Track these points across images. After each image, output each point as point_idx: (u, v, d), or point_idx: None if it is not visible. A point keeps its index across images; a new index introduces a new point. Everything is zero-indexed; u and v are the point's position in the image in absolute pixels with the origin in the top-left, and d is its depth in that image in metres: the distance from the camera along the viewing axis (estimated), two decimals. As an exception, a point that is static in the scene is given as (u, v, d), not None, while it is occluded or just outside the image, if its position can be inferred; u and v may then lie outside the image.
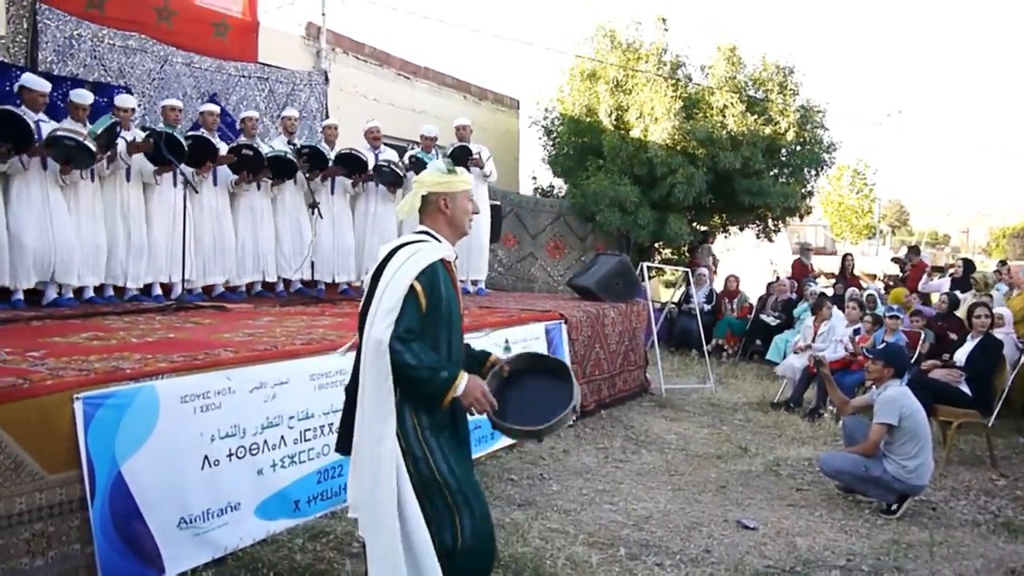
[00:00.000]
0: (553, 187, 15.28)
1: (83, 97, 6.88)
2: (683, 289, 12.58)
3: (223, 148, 7.82)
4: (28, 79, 6.70)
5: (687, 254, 14.01)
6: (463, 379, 2.86)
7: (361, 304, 3.01)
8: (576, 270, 10.65)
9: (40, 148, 6.34)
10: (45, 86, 6.68)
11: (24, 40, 7.72)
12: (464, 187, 3.08)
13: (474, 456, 5.72)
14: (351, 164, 8.53)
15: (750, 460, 6.46)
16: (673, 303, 12.76)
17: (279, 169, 8.14)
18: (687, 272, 11.51)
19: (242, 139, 8.11)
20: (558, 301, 8.68)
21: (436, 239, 3.03)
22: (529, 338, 6.66)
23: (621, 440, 6.91)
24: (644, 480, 5.81)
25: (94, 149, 6.48)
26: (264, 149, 8.11)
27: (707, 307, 11.95)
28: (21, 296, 6.60)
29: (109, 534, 3.49)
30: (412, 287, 2.83)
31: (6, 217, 6.44)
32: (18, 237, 6.46)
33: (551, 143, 14.27)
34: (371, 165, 8.68)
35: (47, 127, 6.54)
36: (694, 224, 13.79)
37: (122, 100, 7.33)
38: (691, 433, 7.29)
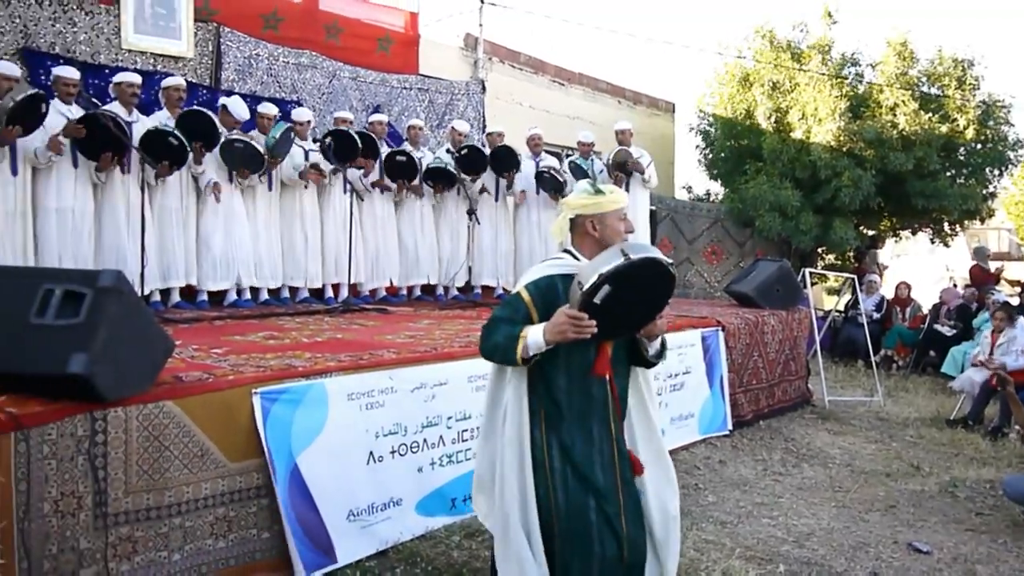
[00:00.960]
0: (710, 192, 14.96)
1: (269, 108, 7.49)
2: (848, 296, 12.00)
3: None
4: (233, 104, 7.24)
5: (853, 260, 13.36)
6: (531, 327, 2.69)
7: None
8: (734, 276, 10.38)
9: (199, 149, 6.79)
10: (244, 113, 7.24)
11: (209, 62, 8.35)
12: (613, 207, 2.89)
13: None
14: (502, 161, 8.58)
15: (923, 479, 6.07)
16: (838, 311, 12.19)
17: (439, 178, 8.41)
18: (853, 279, 10.97)
19: (406, 146, 8.43)
20: (715, 308, 8.50)
21: (575, 258, 2.90)
22: (685, 345, 6.55)
23: (781, 453, 6.67)
24: (805, 495, 5.58)
25: (262, 153, 6.95)
26: (428, 158, 8.42)
27: (876, 316, 11.34)
28: (205, 297, 7.14)
29: (292, 521, 3.70)
30: (518, 293, 2.84)
31: (197, 221, 6.99)
32: (206, 241, 7.00)
33: (708, 147, 14.00)
34: (531, 171, 8.81)
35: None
36: (861, 228, 13.14)
37: (298, 114, 7.81)
38: (857, 448, 6.93)
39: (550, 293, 2.80)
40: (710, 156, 13.90)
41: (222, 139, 6.83)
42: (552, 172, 8.76)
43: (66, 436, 3.05)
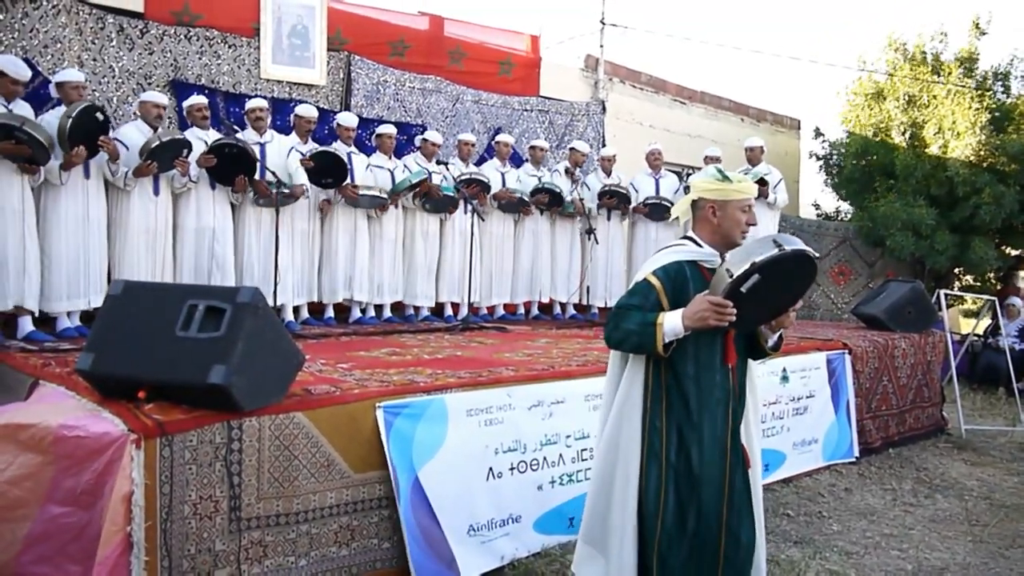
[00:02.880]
0: (838, 210, 14.46)
1: (389, 129, 7.88)
2: (988, 320, 11.32)
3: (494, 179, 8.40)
4: (343, 117, 7.67)
5: (994, 281, 12.61)
6: (666, 314, 2.67)
7: None
8: (862, 297, 9.98)
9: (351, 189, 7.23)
10: (351, 123, 7.60)
11: (340, 88, 8.72)
12: (738, 196, 2.84)
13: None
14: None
15: (1073, 517, 5.66)
16: (976, 335, 11.51)
17: (552, 200, 8.54)
18: (994, 301, 10.35)
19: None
20: (841, 330, 8.19)
21: (697, 244, 2.89)
22: (809, 368, 6.34)
23: (912, 482, 6.35)
24: (939, 528, 5.29)
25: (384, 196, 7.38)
26: (546, 179, 8.59)
27: (1020, 344, 10.66)
28: (332, 314, 7.44)
29: (414, 534, 3.80)
30: (646, 280, 2.81)
31: (321, 241, 7.33)
32: (329, 259, 7.33)
33: (836, 165, 13.55)
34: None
35: (357, 159, 7.51)
36: (1003, 248, 12.40)
37: (432, 135, 8.22)
38: (997, 480, 6.52)
39: (679, 278, 2.79)
40: (838, 174, 13.44)
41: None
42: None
43: (205, 443, 3.24)
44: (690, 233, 2.98)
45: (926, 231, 11.23)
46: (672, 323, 2.64)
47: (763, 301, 2.66)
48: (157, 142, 5.92)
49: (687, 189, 8.63)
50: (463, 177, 7.89)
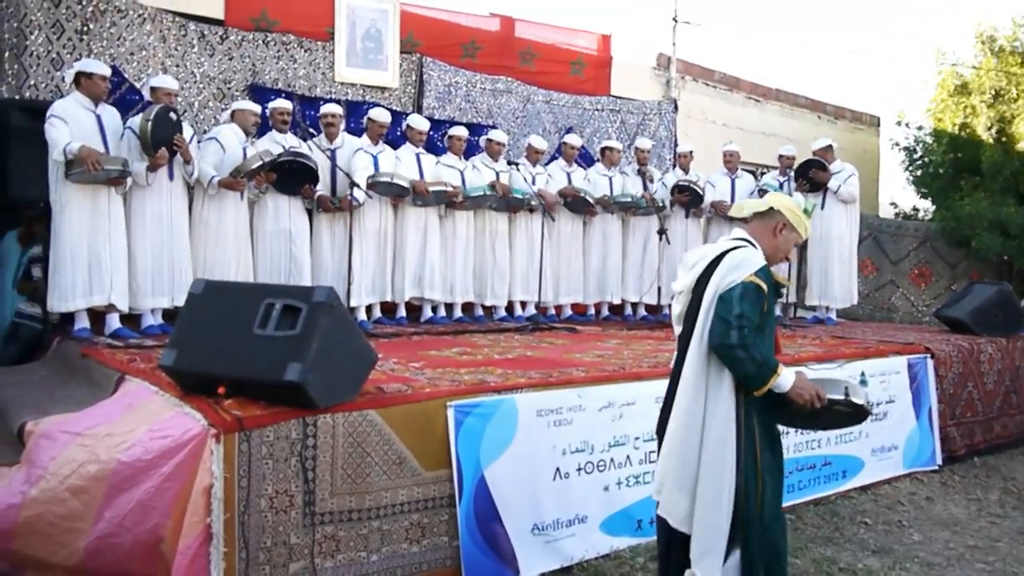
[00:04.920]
0: (918, 209, 14.00)
1: (461, 131, 7.92)
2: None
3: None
4: (414, 119, 7.75)
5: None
6: (786, 370, 2.95)
7: (683, 306, 3.17)
8: (945, 300, 9.64)
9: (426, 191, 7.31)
10: (421, 126, 7.68)
11: (412, 91, 8.83)
12: (803, 233, 3.19)
13: (824, 494, 5.48)
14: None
15: None
16: (1068, 340, 11.02)
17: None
18: (1087, 305, 9.89)
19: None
20: (923, 333, 7.94)
21: (754, 246, 3.09)
22: (889, 372, 6.16)
23: (999, 492, 6.11)
24: (1028, 541, 5.09)
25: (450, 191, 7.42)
26: (618, 186, 8.59)
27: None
28: (404, 313, 7.54)
29: (473, 531, 3.83)
30: (757, 285, 2.92)
31: (394, 241, 7.43)
32: (400, 258, 7.42)
33: (918, 162, 13.12)
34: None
35: (425, 159, 7.60)
36: (1096, 249, 11.83)
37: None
38: (1091, 492, 6.24)
39: (768, 279, 2.98)
40: (920, 171, 13.01)
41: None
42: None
43: (281, 439, 3.32)
44: (745, 232, 3.18)
45: (1015, 231, 10.79)
46: (785, 381, 2.94)
47: (822, 417, 3.18)
48: (259, 162, 6.16)
49: (761, 192, 8.51)
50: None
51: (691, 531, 2.99)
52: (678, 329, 3.22)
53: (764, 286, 2.93)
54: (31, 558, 3.42)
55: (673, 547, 3.11)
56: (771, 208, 3.15)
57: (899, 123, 13.15)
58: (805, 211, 3.16)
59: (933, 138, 12.62)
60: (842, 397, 3.09)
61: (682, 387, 3.04)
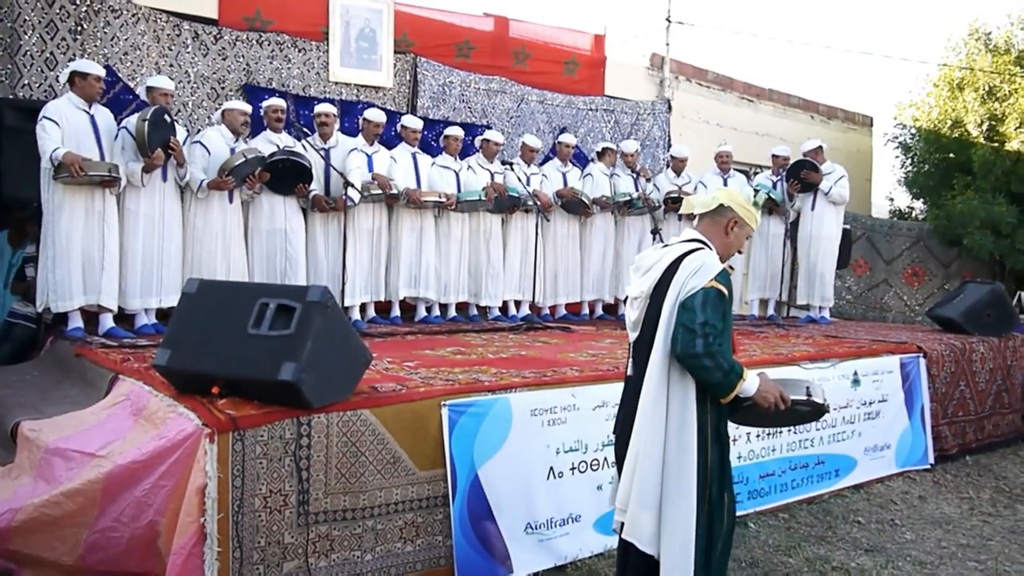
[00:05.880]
0: (912, 209, 14.05)
1: (456, 131, 7.90)
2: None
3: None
4: (408, 119, 7.75)
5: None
6: (750, 373, 2.93)
7: (640, 311, 3.07)
8: (938, 299, 9.68)
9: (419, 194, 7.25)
10: (415, 126, 7.68)
11: (407, 90, 8.83)
12: (753, 226, 3.15)
13: (816, 493, 5.49)
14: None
15: None
16: (1060, 339, 11.08)
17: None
18: (1078, 304, 9.95)
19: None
20: (915, 333, 7.97)
21: (708, 247, 3.04)
22: (881, 371, 6.19)
23: (990, 491, 6.14)
24: (1019, 539, 5.11)
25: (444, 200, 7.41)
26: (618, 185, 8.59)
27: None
28: (398, 312, 7.54)
29: (467, 530, 3.84)
30: (720, 291, 2.87)
31: (388, 240, 7.42)
32: (395, 257, 7.42)
33: (909, 161, 13.17)
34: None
35: (421, 159, 7.62)
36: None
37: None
38: (1082, 491, 6.27)
39: (728, 283, 2.92)
40: (912, 171, 13.06)
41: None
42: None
43: (275, 438, 3.32)
44: (699, 235, 3.10)
45: (1006, 230, 10.84)
46: (750, 385, 2.92)
47: (781, 416, 3.19)
48: (241, 159, 6.12)
49: (755, 191, 8.52)
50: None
51: (659, 553, 2.89)
52: (633, 335, 3.12)
53: (725, 291, 2.87)
54: (30, 556, 3.43)
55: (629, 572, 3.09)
56: (721, 205, 3.08)
57: (895, 119, 13.19)
58: (755, 203, 3.14)
59: (918, 136, 12.66)
60: (804, 397, 3.13)
61: (644, 397, 2.93)
